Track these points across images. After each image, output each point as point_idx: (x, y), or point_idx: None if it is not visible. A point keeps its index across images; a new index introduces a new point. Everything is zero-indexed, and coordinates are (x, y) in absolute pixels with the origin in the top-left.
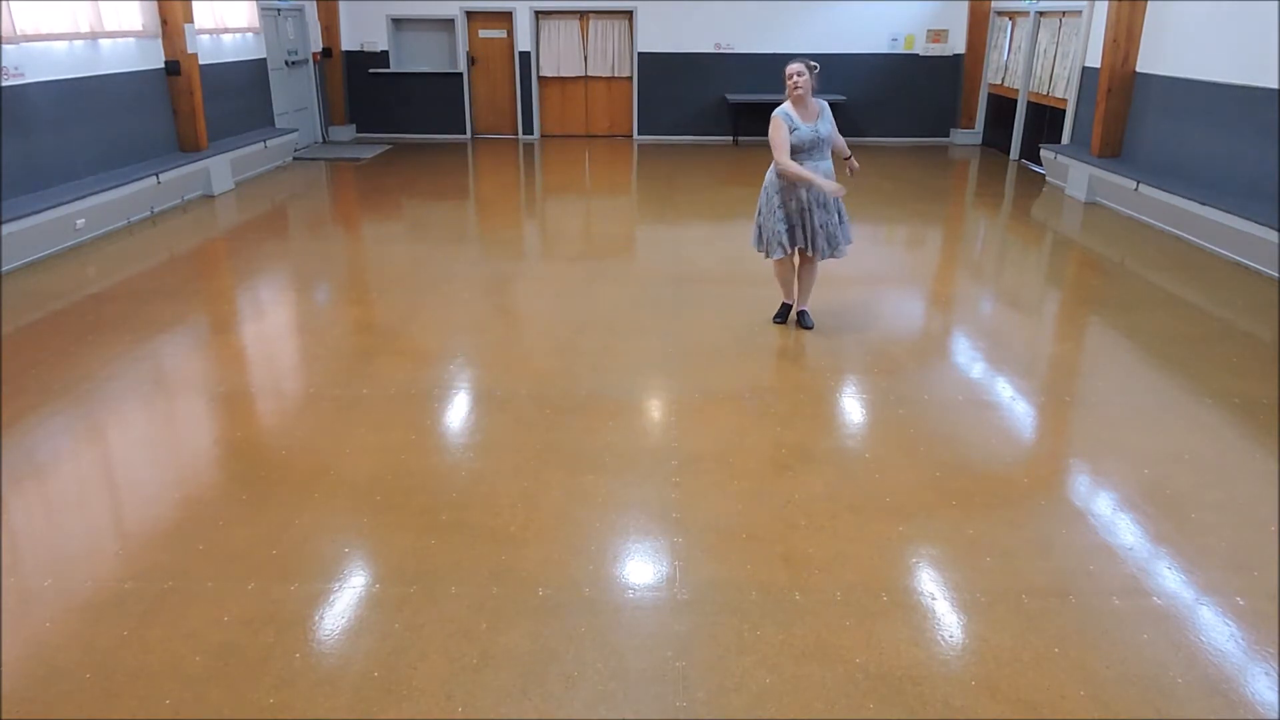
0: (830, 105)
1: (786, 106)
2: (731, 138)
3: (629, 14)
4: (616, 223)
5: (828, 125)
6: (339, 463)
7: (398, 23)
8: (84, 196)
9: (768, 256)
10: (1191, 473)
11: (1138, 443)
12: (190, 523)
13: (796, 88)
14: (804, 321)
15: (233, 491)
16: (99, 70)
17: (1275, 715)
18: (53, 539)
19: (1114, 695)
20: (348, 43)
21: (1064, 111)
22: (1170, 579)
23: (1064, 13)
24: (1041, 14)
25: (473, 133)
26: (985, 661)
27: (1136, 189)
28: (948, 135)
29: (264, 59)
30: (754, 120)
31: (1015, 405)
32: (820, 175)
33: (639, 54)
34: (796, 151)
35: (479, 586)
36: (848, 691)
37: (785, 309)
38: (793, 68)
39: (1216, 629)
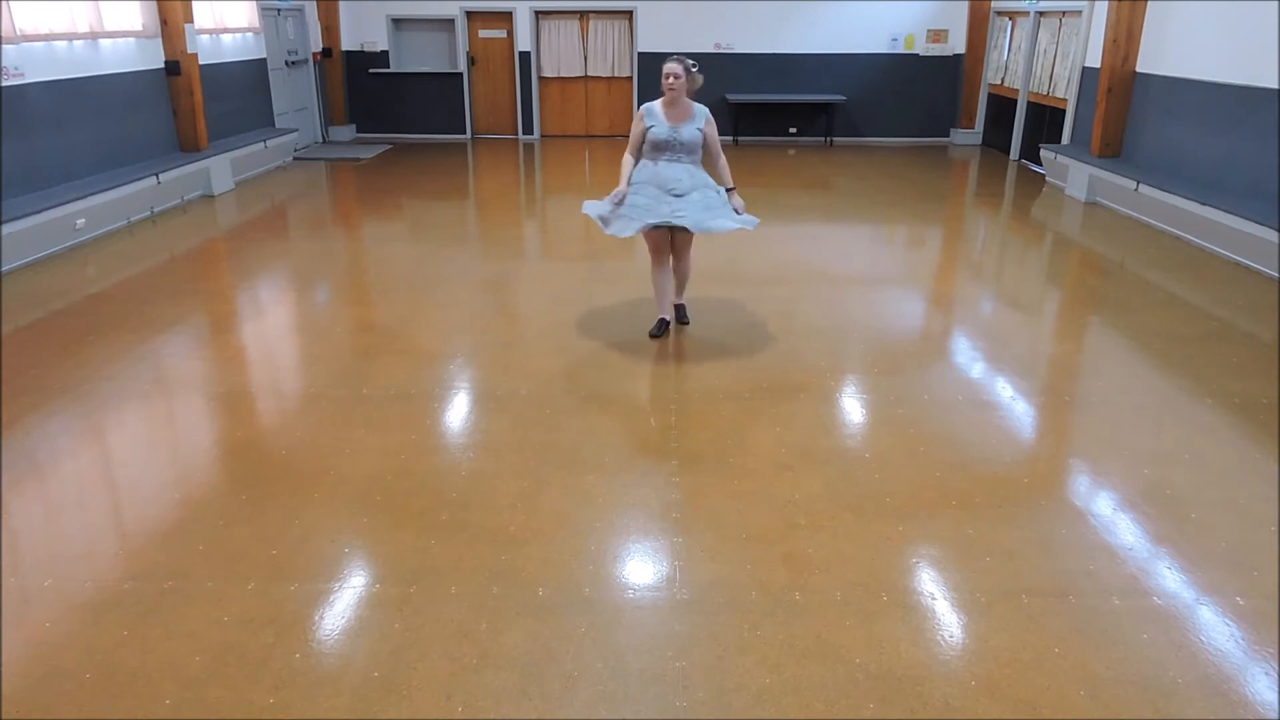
0: (829, 106)
1: (655, 102)
2: (731, 138)
3: (629, 14)
4: None
5: (691, 131)
6: (339, 463)
7: (398, 23)
8: (84, 196)
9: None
10: (1191, 473)
11: (1138, 443)
12: (190, 523)
13: (671, 89)
14: (680, 316)
15: (233, 491)
16: (99, 70)
17: (1275, 715)
18: (53, 539)
19: (1114, 695)
20: (348, 43)
21: (1064, 111)
22: (1170, 579)
23: (1064, 13)
24: (1041, 14)
25: (473, 133)
26: (985, 661)
27: (1136, 189)
28: (948, 135)
29: (264, 59)
30: (754, 120)
31: (1015, 405)
32: (676, 174)
33: (639, 54)
34: (655, 149)
35: (479, 586)
36: (848, 691)
37: (663, 324)
38: (669, 67)
39: (1216, 629)
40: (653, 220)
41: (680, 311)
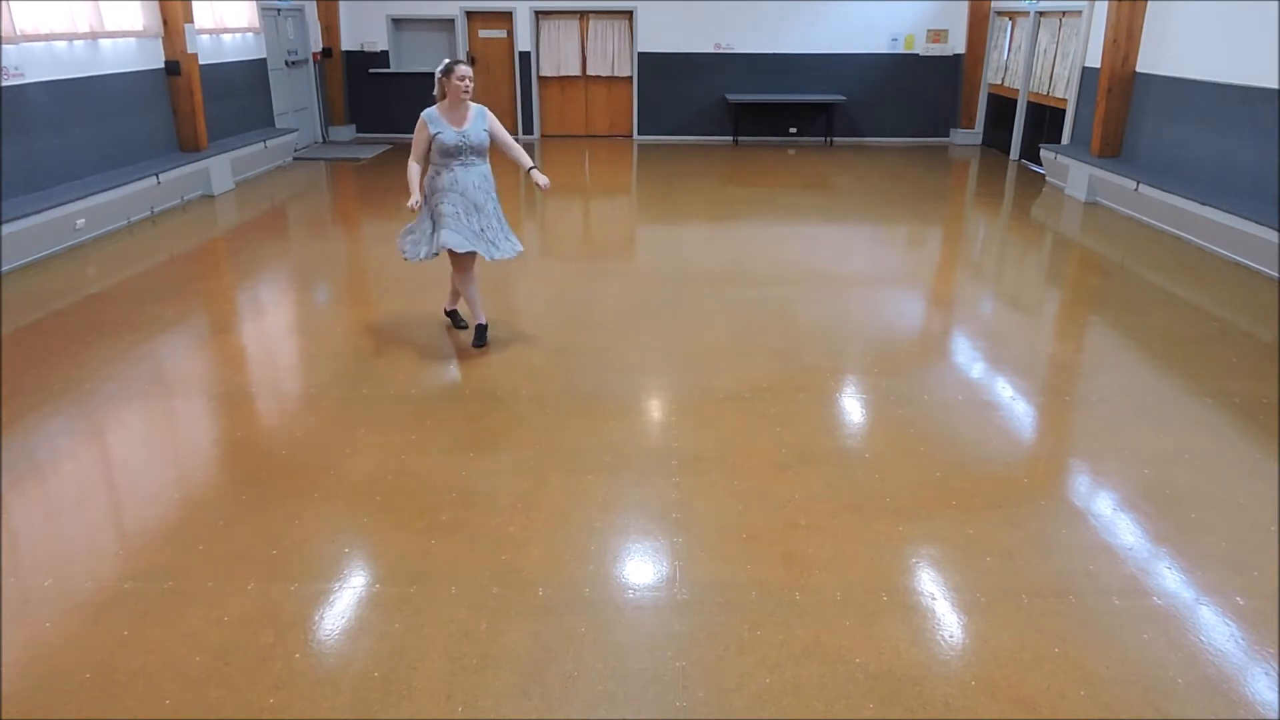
0: (829, 106)
1: (435, 109)
2: (731, 138)
3: (629, 14)
4: (616, 223)
5: (479, 133)
6: (339, 463)
7: (398, 23)
8: (84, 196)
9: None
10: (1191, 473)
11: (1138, 443)
12: (190, 523)
13: (467, 91)
14: (456, 321)
15: (233, 491)
16: (99, 70)
17: (1275, 715)
18: (53, 539)
19: (1114, 695)
20: (348, 43)
21: (1064, 111)
22: (1170, 579)
23: (1064, 13)
24: (1041, 14)
25: None
26: (985, 661)
27: (1136, 189)
28: (948, 135)
29: (264, 59)
30: (754, 120)
31: (1015, 405)
32: (474, 180)
33: (639, 54)
34: (446, 155)
35: (479, 586)
36: (848, 691)
37: (455, 315)
38: (465, 70)
39: (1216, 629)
40: (464, 247)
41: (481, 332)
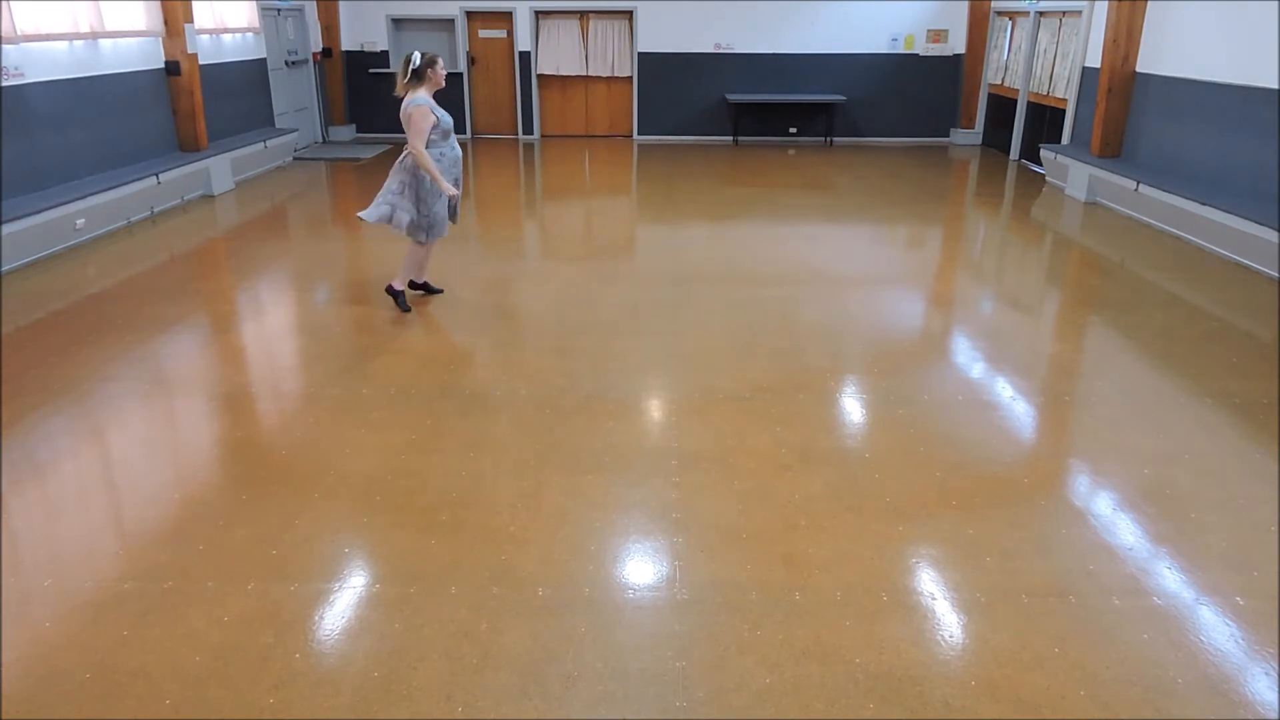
0: (829, 106)
1: (426, 96)
2: (731, 138)
3: (629, 14)
4: (617, 223)
5: None
6: (339, 463)
7: (398, 23)
8: (84, 196)
9: (428, 239)
10: (1191, 473)
11: (1138, 443)
12: (190, 523)
13: (444, 79)
14: (432, 289)
15: (233, 491)
16: (99, 70)
17: (1275, 715)
18: (53, 539)
19: (1114, 695)
20: (348, 43)
21: (1064, 111)
22: (1170, 579)
23: (1064, 13)
24: (1041, 14)
25: (472, 133)
26: (985, 661)
27: (1136, 189)
28: (948, 135)
29: (264, 59)
30: (754, 120)
31: (1015, 405)
32: (458, 154)
33: (639, 54)
34: (444, 136)
35: (479, 586)
36: (848, 691)
37: (407, 290)
38: (441, 60)
39: (1216, 629)
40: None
41: (426, 287)
